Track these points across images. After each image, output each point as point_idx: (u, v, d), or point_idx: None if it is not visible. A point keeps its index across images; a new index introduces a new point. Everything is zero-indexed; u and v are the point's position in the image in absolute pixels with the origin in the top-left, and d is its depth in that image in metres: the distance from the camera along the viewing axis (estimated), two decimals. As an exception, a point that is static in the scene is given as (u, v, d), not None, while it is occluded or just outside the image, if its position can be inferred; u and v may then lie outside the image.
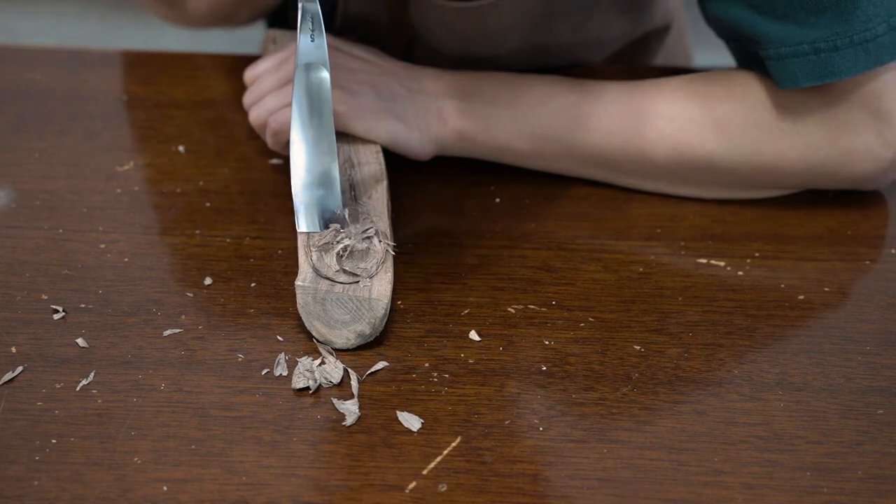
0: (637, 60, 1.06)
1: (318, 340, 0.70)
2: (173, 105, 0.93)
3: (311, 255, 0.71)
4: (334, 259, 0.71)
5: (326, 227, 0.73)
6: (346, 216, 0.73)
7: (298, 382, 0.68)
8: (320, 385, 0.68)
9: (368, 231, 0.72)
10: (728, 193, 0.83)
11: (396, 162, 0.85)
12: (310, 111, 0.73)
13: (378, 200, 0.76)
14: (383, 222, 0.74)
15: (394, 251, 0.72)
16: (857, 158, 0.79)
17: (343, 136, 0.81)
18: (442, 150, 0.83)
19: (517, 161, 0.83)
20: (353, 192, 0.77)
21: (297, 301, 0.70)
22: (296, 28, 0.72)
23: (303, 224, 0.73)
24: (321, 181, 0.74)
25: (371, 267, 0.70)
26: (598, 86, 0.82)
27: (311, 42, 0.72)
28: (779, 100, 0.79)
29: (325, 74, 0.72)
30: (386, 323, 0.71)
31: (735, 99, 0.80)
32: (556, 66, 0.93)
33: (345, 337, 0.70)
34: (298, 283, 0.70)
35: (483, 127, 0.82)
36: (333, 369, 0.68)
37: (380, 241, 0.72)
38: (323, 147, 0.73)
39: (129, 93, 0.94)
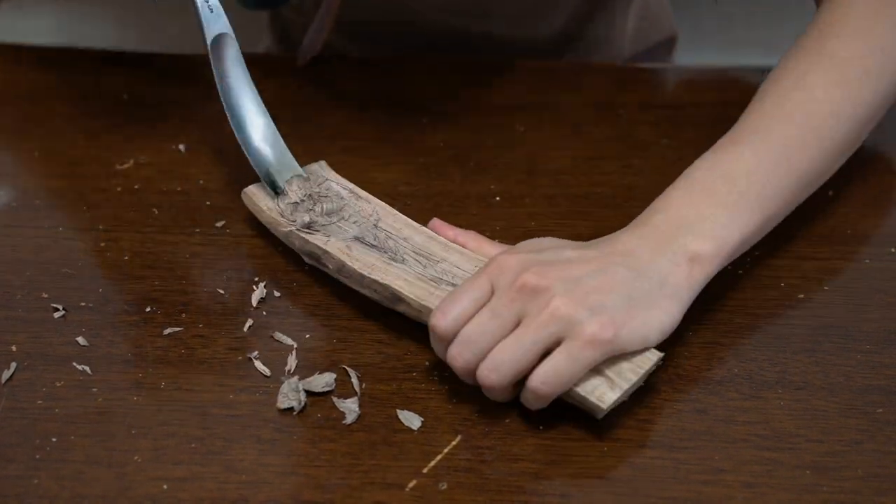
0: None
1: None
2: (173, 104, 0.93)
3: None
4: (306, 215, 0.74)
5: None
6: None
7: (283, 403, 0.67)
8: (305, 405, 0.67)
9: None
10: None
11: (395, 161, 0.85)
12: (234, 80, 0.77)
13: (403, 228, 0.75)
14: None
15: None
16: None
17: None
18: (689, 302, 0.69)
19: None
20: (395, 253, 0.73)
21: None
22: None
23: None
24: (272, 142, 0.78)
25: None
26: (761, 133, 0.75)
27: (210, 13, 0.76)
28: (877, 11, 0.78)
29: (233, 39, 0.77)
30: (386, 320, 0.72)
31: (845, 47, 0.77)
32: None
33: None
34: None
35: (728, 236, 0.70)
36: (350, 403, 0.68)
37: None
38: (259, 109, 0.78)
39: (130, 92, 0.94)
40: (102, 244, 0.78)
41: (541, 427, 0.66)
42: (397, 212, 0.76)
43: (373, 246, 0.72)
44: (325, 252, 0.72)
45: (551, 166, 0.86)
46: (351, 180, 0.78)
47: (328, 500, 0.62)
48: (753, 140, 0.74)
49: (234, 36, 0.77)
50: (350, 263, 0.71)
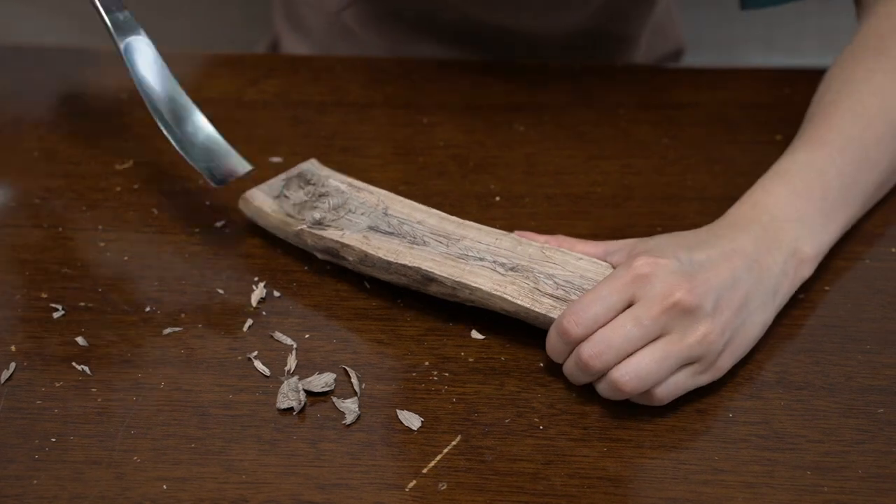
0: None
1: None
2: (173, 104, 0.92)
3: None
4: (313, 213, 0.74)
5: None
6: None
7: (283, 403, 0.67)
8: (305, 405, 0.67)
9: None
10: None
11: (394, 161, 0.85)
12: (155, 79, 0.76)
13: (413, 212, 0.75)
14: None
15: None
16: None
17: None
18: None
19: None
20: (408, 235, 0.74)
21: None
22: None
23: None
24: (207, 138, 0.76)
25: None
26: (845, 134, 0.76)
27: (120, 20, 0.76)
28: None
29: (146, 40, 0.76)
30: (386, 320, 0.72)
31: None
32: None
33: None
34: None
35: (825, 241, 0.74)
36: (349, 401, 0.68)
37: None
38: (187, 106, 0.76)
39: (129, 91, 0.94)
40: (102, 244, 0.78)
41: (541, 427, 0.66)
42: (402, 197, 0.76)
43: (389, 233, 0.72)
44: (344, 245, 0.72)
45: (551, 166, 0.86)
46: (351, 180, 0.79)
47: (327, 501, 0.62)
48: (837, 140, 0.75)
49: (147, 40, 0.77)
50: (373, 252, 0.71)
